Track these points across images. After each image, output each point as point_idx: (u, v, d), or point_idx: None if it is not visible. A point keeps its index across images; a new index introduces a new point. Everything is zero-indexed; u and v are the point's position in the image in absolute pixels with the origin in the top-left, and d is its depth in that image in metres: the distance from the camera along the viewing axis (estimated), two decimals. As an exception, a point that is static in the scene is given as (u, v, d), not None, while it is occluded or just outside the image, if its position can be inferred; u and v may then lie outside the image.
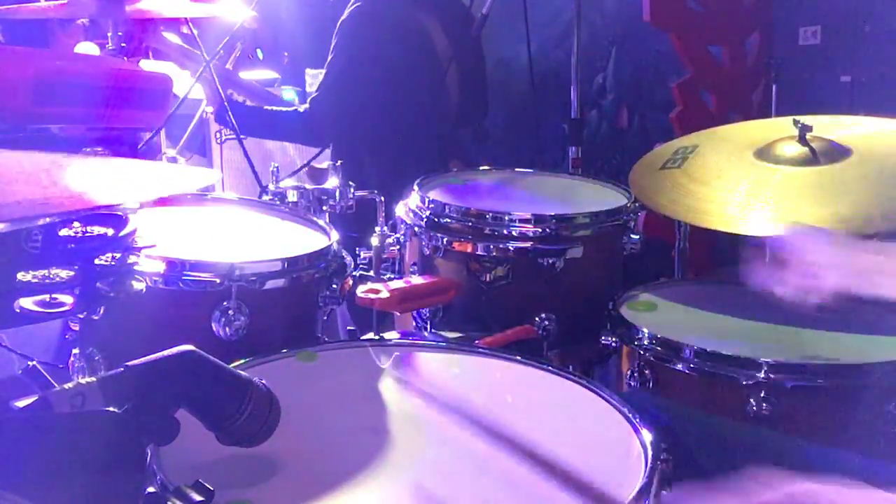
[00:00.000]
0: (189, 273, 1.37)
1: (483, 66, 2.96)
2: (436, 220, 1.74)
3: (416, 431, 1.10)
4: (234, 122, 2.50)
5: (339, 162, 1.89)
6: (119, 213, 1.06)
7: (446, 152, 2.77)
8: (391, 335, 1.52)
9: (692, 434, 1.17)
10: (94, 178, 0.97)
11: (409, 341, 1.43)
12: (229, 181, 3.21)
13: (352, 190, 1.86)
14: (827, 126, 1.68)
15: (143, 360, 0.84)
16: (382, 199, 1.88)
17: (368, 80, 2.57)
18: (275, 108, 2.81)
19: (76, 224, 1.00)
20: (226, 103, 2.55)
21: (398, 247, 1.84)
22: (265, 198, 1.86)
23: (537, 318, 1.66)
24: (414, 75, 2.65)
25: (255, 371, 1.20)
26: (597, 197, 1.93)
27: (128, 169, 1.07)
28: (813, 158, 1.61)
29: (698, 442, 1.16)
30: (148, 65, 2.64)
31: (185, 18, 2.67)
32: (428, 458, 1.04)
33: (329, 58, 2.65)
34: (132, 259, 1.05)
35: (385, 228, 1.85)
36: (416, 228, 1.77)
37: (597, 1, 3.69)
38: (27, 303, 0.91)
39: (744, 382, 1.33)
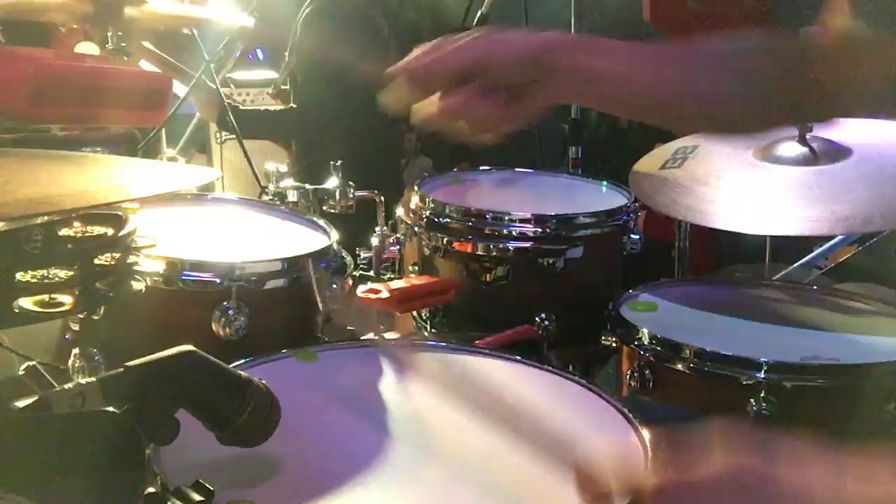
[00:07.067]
0: (189, 273, 1.37)
1: None
2: (436, 220, 1.74)
3: (416, 431, 1.10)
4: (235, 125, 2.57)
5: (338, 162, 1.89)
6: (119, 212, 1.06)
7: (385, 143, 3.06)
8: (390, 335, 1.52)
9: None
10: (94, 177, 0.97)
11: (409, 341, 1.43)
12: (229, 181, 3.22)
13: (352, 190, 1.86)
14: (827, 126, 1.68)
15: (142, 360, 0.84)
16: (382, 199, 1.88)
17: (334, 71, 2.80)
18: (267, 108, 2.99)
19: (76, 224, 1.00)
20: (227, 107, 2.59)
21: (398, 247, 1.84)
22: (265, 198, 1.86)
23: (537, 318, 1.66)
24: (371, 63, 2.87)
25: (255, 371, 1.20)
26: (597, 197, 1.93)
27: (128, 169, 1.07)
28: (813, 158, 1.61)
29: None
30: (148, 65, 2.64)
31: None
32: (428, 459, 1.04)
33: (291, 58, 2.92)
34: (132, 259, 1.05)
35: (385, 228, 1.85)
36: (416, 228, 1.77)
37: (597, 1, 3.69)
38: (27, 303, 0.91)
39: (744, 382, 1.33)
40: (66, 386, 0.79)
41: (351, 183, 1.87)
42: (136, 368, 0.82)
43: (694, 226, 1.96)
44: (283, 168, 1.90)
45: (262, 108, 3.06)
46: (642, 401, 1.43)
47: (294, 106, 2.98)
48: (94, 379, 0.79)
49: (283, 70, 3.07)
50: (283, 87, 3.13)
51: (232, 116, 2.60)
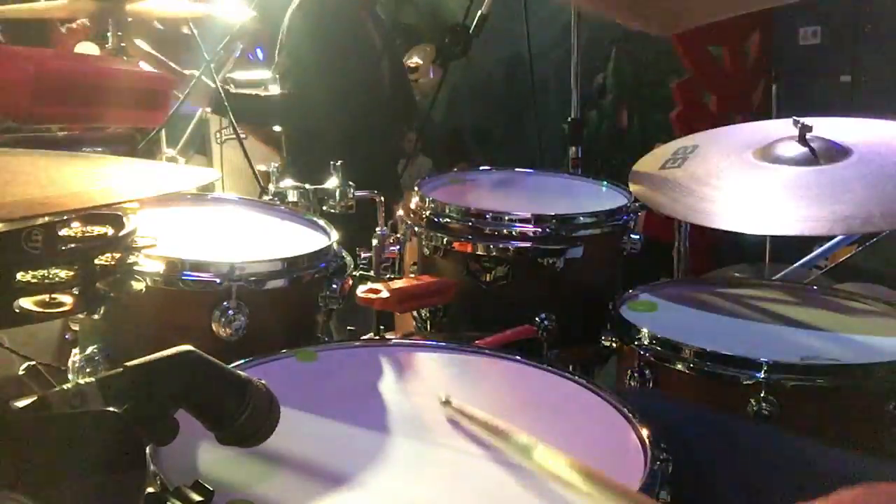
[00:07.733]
0: (189, 273, 1.37)
1: (404, 69, 3.32)
2: (436, 220, 1.74)
3: (415, 431, 1.10)
4: (229, 109, 2.57)
5: (338, 162, 1.88)
6: (119, 212, 1.06)
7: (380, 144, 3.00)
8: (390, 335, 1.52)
9: (693, 432, 1.17)
10: (93, 177, 0.97)
11: (409, 341, 1.43)
12: (229, 181, 3.22)
13: (352, 190, 1.86)
14: (827, 126, 1.69)
15: (142, 360, 0.84)
16: (382, 199, 1.88)
17: (322, 63, 2.82)
18: (258, 93, 3.01)
19: (76, 224, 1.00)
20: (222, 94, 2.59)
21: (398, 247, 1.83)
22: (265, 198, 1.86)
23: (537, 318, 1.66)
24: (356, 62, 2.89)
25: (255, 371, 1.20)
26: (597, 197, 1.93)
27: (128, 169, 1.07)
28: (813, 158, 1.61)
29: (698, 440, 1.16)
30: (148, 65, 2.64)
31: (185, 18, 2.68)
32: (428, 458, 1.04)
33: (285, 48, 2.90)
34: (132, 259, 1.05)
35: (385, 228, 1.85)
36: (416, 228, 1.77)
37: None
38: (27, 303, 0.91)
39: (744, 382, 1.33)
40: (66, 386, 0.79)
41: (351, 183, 1.87)
42: (135, 368, 0.82)
43: (694, 226, 1.95)
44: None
45: (255, 92, 3.07)
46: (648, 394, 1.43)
47: (286, 93, 2.93)
48: (93, 379, 0.79)
49: (273, 69, 3.06)
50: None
51: (224, 98, 2.60)
